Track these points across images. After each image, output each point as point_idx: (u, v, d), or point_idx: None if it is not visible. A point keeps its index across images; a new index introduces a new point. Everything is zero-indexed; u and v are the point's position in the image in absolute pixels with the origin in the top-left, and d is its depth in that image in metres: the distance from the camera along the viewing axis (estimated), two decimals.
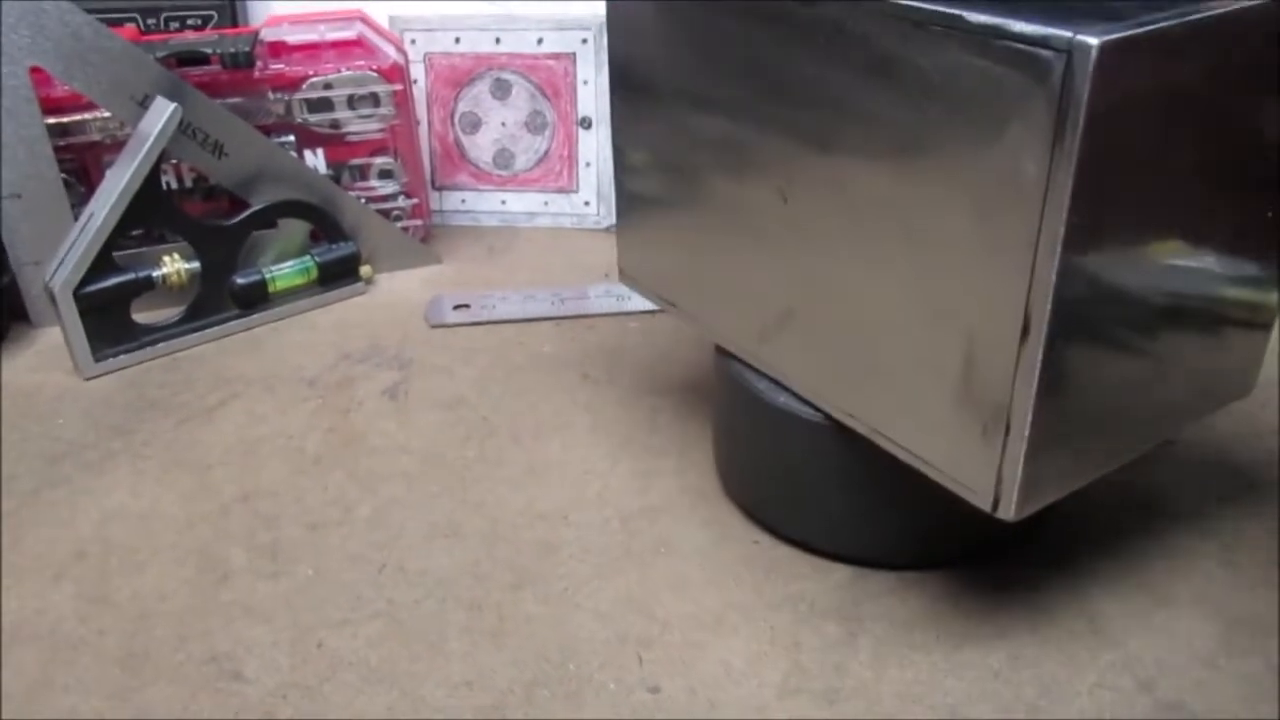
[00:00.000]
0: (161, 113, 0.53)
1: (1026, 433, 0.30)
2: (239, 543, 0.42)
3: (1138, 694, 0.33)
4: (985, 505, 0.32)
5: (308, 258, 0.60)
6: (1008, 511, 0.31)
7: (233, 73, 0.58)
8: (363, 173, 0.63)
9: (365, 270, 0.62)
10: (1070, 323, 0.29)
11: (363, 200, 0.63)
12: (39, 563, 0.41)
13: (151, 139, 0.53)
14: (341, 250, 0.61)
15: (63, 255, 0.53)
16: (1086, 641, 0.35)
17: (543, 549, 0.41)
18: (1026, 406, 0.30)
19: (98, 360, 0.54)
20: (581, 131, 0.67)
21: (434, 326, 0.58)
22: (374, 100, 0.61)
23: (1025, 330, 0.29)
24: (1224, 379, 0.37)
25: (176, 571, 0.41)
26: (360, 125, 0.62)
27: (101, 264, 0.53)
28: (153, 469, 0.47)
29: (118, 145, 0.57)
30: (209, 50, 0.58)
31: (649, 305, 0.58)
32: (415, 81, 0.67)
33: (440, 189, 0.70)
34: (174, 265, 0.56)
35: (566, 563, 0.40)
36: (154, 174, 0.54)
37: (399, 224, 0.64)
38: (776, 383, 0.38)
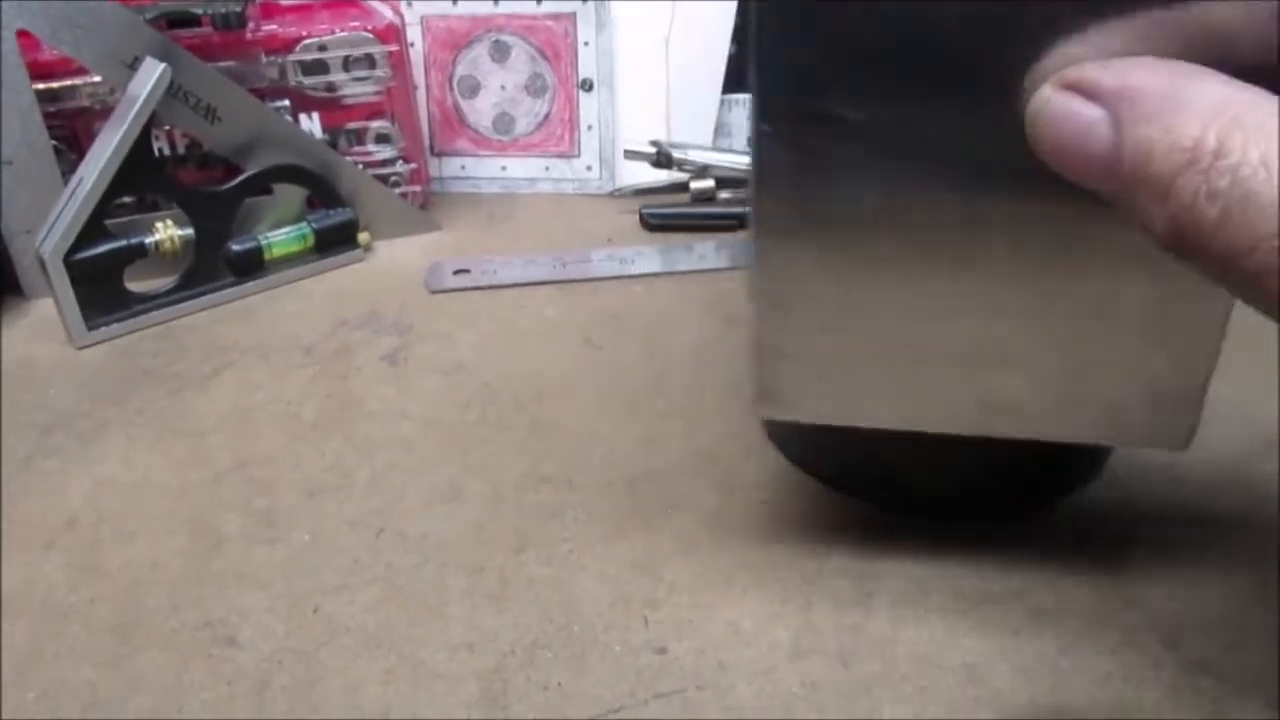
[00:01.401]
0: (151, 74, 0.52)
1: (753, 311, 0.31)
2: (234, 510, 0.41)
3: (1163, 653, 0.32)
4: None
5: (304, 224, 0.59)
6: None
7: (224, 34, 0.57)
8: (359, 137, 0.62)
9: (363, 237, 0.61)
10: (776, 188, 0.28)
11: (360, 166, 0.61)
12: (29, 532, 0.40)
13: (141, 100, 0.52)
14: (339, 217, 0.60)
15: (52, 221, 0.52)
16: (1109, 601, 0.34)
17: (546, 512, 0.40)
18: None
19: (90, 329, 0.53)
20: (582, 94, 0.66)
21: (434, 292, 0.56)
22: (370, 62, 0.60)
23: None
24: (1120, 406, 0.30)
25: (169, 539, 0.39)
26: (356, 88, 0.61)
27: (92, 230, 0.52)
28: (146, 438, 0.46)
29: (108, 112, 0.55)
30: (200, 11, 0.57)
31: (653, 269, 0.57)
32: (412, 45, 0.65)
33: (439, 155, 0.68)
34: (167, 231, 0.55)
35: (570, 526, 0.39)
36: (145, 138, 0.53)
37: (397, 190, 0.63)
38: None
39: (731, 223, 0.62)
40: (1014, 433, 0.31)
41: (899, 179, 0.28)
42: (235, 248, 0.57)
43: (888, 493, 0.38)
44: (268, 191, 0.59)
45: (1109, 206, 0.23)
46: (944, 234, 0.28)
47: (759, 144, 0.28)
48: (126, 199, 0.57)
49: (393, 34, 0.60)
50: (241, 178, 0.57)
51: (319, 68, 0.60)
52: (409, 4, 0.65)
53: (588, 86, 0.66)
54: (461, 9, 0.65)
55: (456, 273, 0.58)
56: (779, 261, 0.30)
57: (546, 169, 0.68)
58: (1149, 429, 0.30)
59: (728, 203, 0.64)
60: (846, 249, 0.29)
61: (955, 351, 0.30)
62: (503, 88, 0.67)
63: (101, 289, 0.53)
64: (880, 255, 0.29)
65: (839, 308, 0.30)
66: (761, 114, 0.28)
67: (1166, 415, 0.30)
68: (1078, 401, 0.30)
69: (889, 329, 0.30)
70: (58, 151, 0.56)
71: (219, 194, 0.57)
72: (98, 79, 0.56)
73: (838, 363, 0.31)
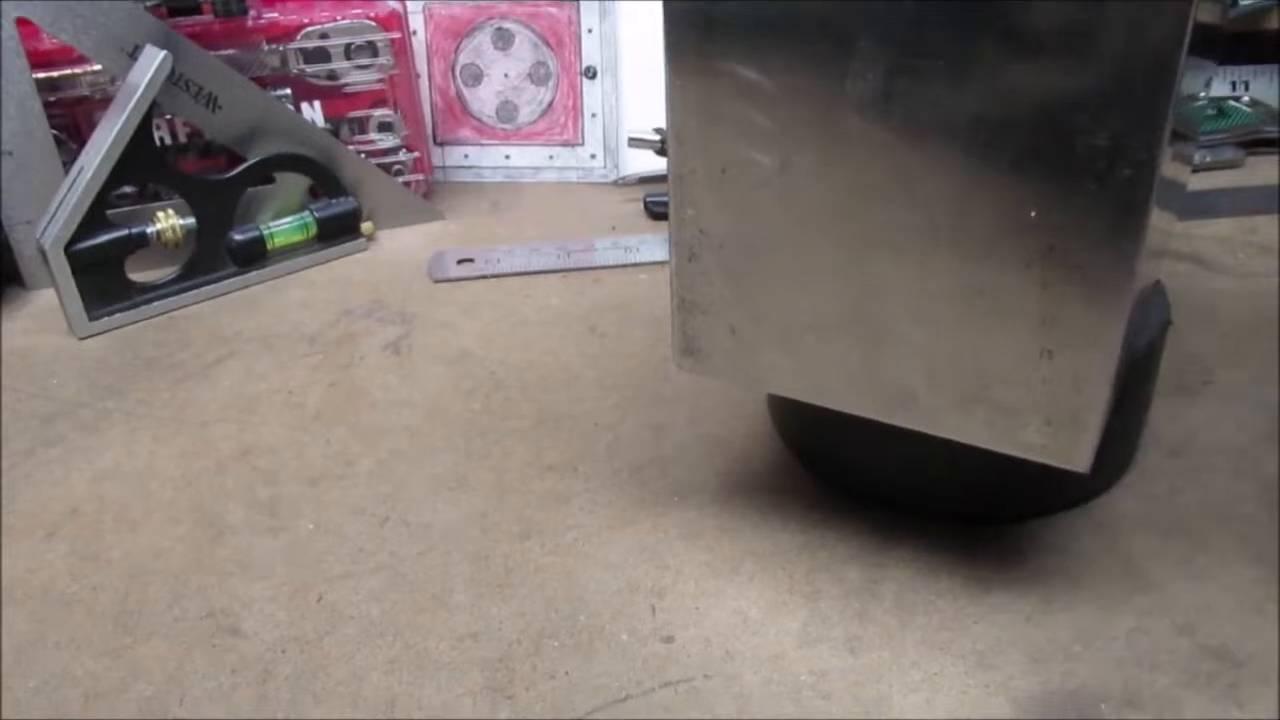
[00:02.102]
0: (151, 61, 0.52)
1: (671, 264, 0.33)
2: (237, 499, 0.40)
3: (1177, 638, 0.32)
4: None
5: (306, 214, 0.59)
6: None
7: (225, 22, 0.57)
8: (362, 126, 0.62)
9: (366, 226, 0.60)
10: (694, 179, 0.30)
11: (362, 155, 0.61)
12: (32, 522, 0.40)
13: (141, 88, 0.51)
14: (341, 206, 0.59)
15: (53, 211, 0.51)
16: (1122, 586, 0.34)
17: (551, 500, 0.39)
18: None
19: (92, 320, 0.53)
20: (586, 82, 0.65)
21: (437, 281, 0.56)
22: (372, 50, 0.59)
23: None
24: (1015, 412, 0.29)
25: (172, 529, 0.39)
26: (358, 76, 0.60)
27: (93, 220, 0.52)
28: (148, 427, 0.45)
29: (108, 101, 0.55)
30: None
31: (658, 257, 0.57)
32: (414, 33, 0.65)
33: (442, 144, 0.68)
34: (168, 221, 0.54)
35: (576, 514, 0.38)
36: (145, 126, 0.52)
37: (400, 179, 0.63)
38: None
39: None
40: (916, 425, 0.31)
41: (790, 138, 0.29)
42: (237, 237, 0.56)
43: (885, 495, 0.38)
44: (270, 180, 0.58)
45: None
46: (831, 198, 0.29)
47: (670, 99, 0.30)
48: (128, 188, 0.57)
49: (395, 21, 0.59)
50: (243, 166, 0.57)
51: (321, 55, 0.59)
52: None
53: (591, 74, 0.65)
54: None
55: (460, 262, 0.57)
56: (690, 214, 0.31)
57: (550, 157, 0.67)
58: (1046, 441, 0.29)
59: None
60: (746, 205, 0.30)
61: (845, 320, 0.30)
62: (506, 76, 0.66)
63: (103, 279, 0.53)
64: (775, 213, 0.30)
65: (741, 265, 0.31)
66: (671, 69, 0.30)
67: (1064, 429, 0.29)
68: (972, 401, 0.30)
69: (784, 289, 0.31)
70: (58, 141, 0.56)
71: (221, 183, 0.56)
72: (98, 67, 0.56)
73: (744, 321, 0.32)
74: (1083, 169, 0.25)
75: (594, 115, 0.66)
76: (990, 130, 0.26)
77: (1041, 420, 0.29)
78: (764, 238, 0.30)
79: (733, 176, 0.30)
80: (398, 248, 0.61)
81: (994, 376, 0.29)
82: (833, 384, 0.32)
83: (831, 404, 0.32)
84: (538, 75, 0.66)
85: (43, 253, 0.51)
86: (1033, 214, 0.26)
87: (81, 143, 0.56)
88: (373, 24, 0.59)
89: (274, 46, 0.58)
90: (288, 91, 0.60)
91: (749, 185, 0.30)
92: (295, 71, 0.59)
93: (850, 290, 0.30)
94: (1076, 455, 0.29)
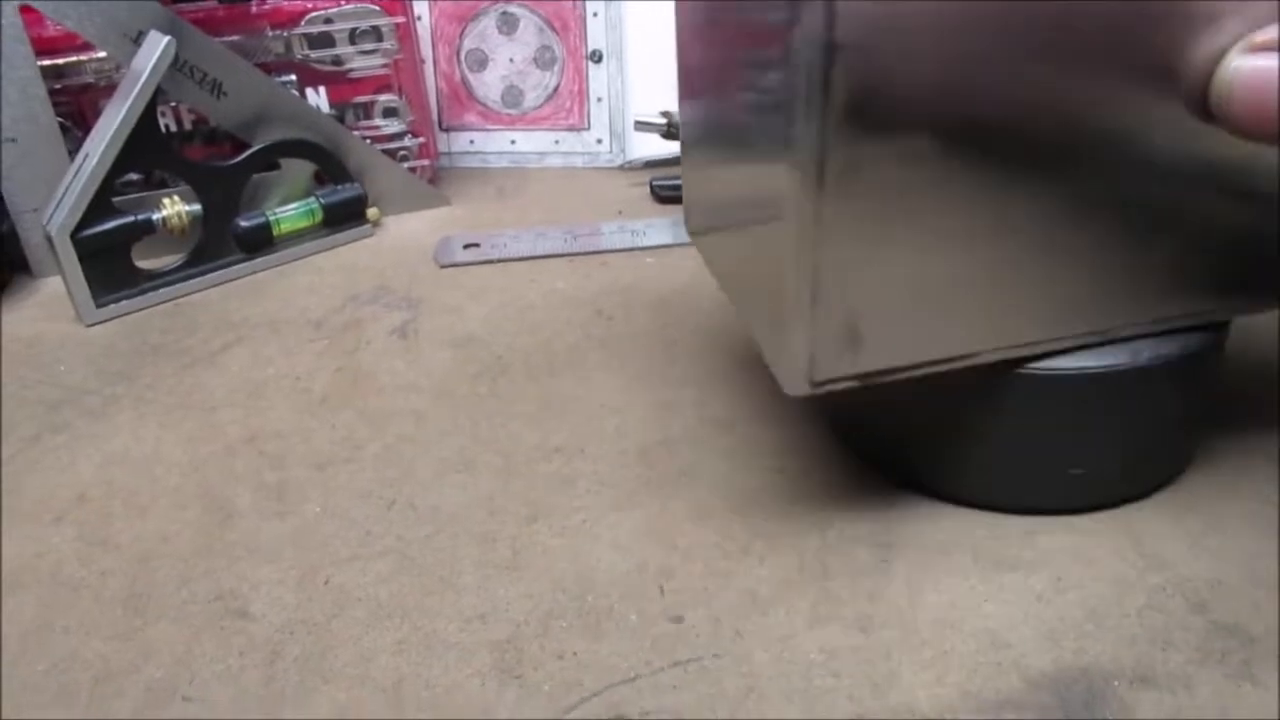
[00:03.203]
0: (155, 47, 0.52)
1: None
2: (244, 483, 0.40)
3: (1190, 616, 0.31)
4: None
5: (312, 200, 0.59)
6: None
7: (229, 8, 0.57)
8: (366, 111, 0.62)
9: (372, 213, 0.60)
10: None
11: (367, 141, 0.61)
12: (39, 507, 0.40)
13: (145, 74, 0.51)
14: (347, 192, 0.59)
15: (59, 199, 0.51)
16: (1133, 563, 0.33)
17: (559, 482, 0.39)
18: None
19: (99, 307, 0.53)
20: (592, 66, 0.65)
21: (443, 266, 0.56)
22: (376, 34, 0.59)
23: None
24: (770, 324, 0.31)
25: (180, 513, 0.39)
26: (363, 61, 0.60)
27: (100, 207, 0.52)
28: (156, 413, 0.45)
29: (113, 88, 0.55)
30: None
31: (665, 241, 0.56)
32: (419, 18, 0.65)
33: (447, 130, 0.68)
34: (174, 207, 0.54)
35: (583, 496, 0.38)
36: (150, 113, 0.52)
37: (405, 165, 0.63)
38: None
39: None
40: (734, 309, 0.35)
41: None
42: (243, 224, 0.56)
43: (916, 478, 0.37)
44: (275, 167, 0.58)
45: None
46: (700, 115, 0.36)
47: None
48: (134, 176, 0.57)
49: (399, 6, 0.59)
50: (248, 153, 0.57)
51: (325, 41, 0.59)
52: None
53: (597, 58, 0.65)
54: None
55: (466, 247, 0.57)
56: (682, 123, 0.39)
57: (556, 142, 0.67)
58: (778, 359, 0.30)
59: None
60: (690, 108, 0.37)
61: (719, 215, 0.35)
62: (511, 60, 0.66)
63: (109, 266, 0.53)
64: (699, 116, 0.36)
65: (695, 158, 0.38)
66: None
67: (783, 348, 0.29)
68: (755, 303, 0.32)
69: (704, 180, 0.37)
70: (63, 129, 0.56)
71: (226, 169, 0.56)
72: (102, 54, 0.56)
73: (698, 204, 0.38)
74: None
75: (600, 100, 0.66)
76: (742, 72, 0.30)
77: (772, 333, 0.31)
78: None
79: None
80: (404, 233, 0.60)
81: (765, 290, 0.31)
82: (723, 270, 0.36)
83: (724, 289, 0.37)
84: (543, 60, 0.66)
85: (49, 240, 0.51)
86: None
87: (86, 130, 0.56)
88: (377, 9, 0.59)
89: (278, 32, 0.58)
90: (292, 77, 0.60)
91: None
92: (299, 57, 0.59)
93: (720, 189, 0.35)
94: (792, 379, 0.30)
